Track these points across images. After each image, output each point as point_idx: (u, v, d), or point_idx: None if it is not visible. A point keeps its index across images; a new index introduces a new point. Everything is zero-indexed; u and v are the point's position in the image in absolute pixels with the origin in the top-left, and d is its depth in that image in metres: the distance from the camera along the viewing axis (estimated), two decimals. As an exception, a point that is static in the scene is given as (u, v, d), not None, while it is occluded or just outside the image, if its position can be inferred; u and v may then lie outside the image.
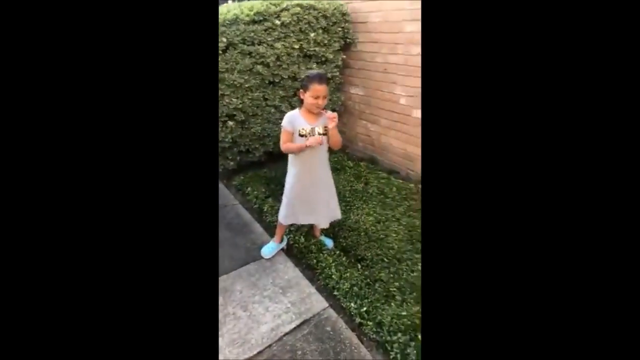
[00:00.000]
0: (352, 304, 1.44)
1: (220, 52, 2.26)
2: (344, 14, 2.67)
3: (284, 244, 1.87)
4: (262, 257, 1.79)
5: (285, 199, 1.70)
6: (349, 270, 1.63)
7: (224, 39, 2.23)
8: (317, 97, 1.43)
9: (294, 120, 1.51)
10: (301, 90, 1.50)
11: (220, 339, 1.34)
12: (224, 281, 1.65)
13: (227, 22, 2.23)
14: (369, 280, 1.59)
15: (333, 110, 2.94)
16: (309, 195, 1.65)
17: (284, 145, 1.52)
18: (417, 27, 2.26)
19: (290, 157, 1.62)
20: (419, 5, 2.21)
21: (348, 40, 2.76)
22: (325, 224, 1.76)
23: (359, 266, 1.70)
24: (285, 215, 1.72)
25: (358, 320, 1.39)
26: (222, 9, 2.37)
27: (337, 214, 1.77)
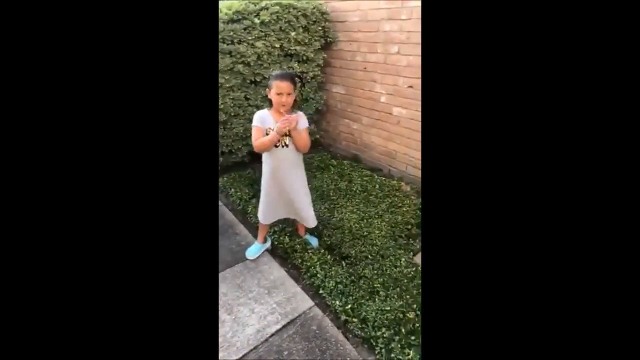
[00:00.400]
0: (337, 302, 1.46)
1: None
2: (323, 13, 2.67)
3: (268, 245, 1.86)
4: (247, 259, 1.78)
5: (261, 198, 1.71)
6: (333, 268, 1.65)
7: (202, 38, 2.19)
8: (280, 94, 1.43)
9: (264, 119, 1.51)
10: (267, 89, 1.50)
11: (205, 343, 1.32)
12: (208, 284, 1.63)
13: (204, 21, 2.19)
14: (353, 277, 1.61)
15: (317, 109, 2.96)
16: (283, 194, 1.66)
17: (256, 143, 1.50)
18: (394, 26, 2.30)
19: (263, 156, 1.62)
20: (396, 4, 2.24)
21: (328, 39, 2.76)
22: (312, 223, 1.75)
23: (344, 264, 1.72)
24: (264, 215, 1.73)
25: (343, 317, 1.41)
26: (200, 7, 2.32)
27: (312, 222, 1.75)
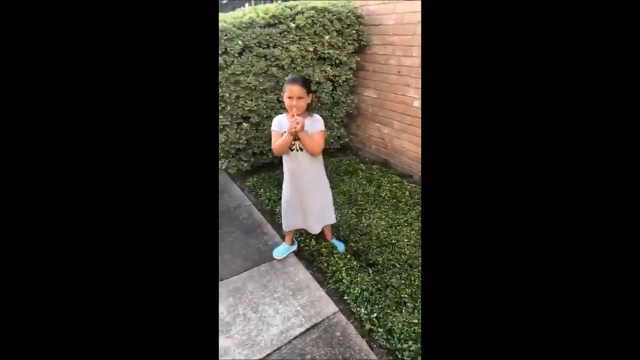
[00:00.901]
0: (363, 310, 1.43)
1: (236, 55, 2.29)
2: (358, 17, 2.66)
3: (295, 247, 1.87)
4: (273, 259, 1.80)
5: (282, 203, 1.73)
6: (359, 274, 1.62)
7: (240, 42, 2.26)
8: (290, 97, 1.44)
9: (281, 122, 1.55)
10: (282, 93, 1.53)
11: (229, 340, 1.35)
12: (235, 282, 1.67)
13: (243, 25, 2.27)
14: (379, 285, 1.57)
15: (347, 113, 2.95)
16: (298, 200, 1.67)
17: (274, 145, 1.54)
18: (433, 29, 2.23)
19: (283, 160, 1.65)
20: (435, 7, 2.18)
21: (362, 42, 2.75)
22: (315, 230, 1.75)
23: (370, 271, 1.68)
24: (284, 221, 1.75)
25: (368, 326, 1.38)
26: (238, 12, 2.41)
27: (331, 219, 1.76)
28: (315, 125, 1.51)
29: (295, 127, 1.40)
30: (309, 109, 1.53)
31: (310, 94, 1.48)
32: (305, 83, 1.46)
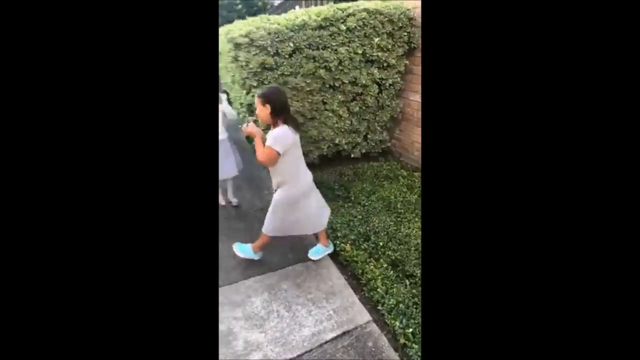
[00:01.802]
0: (397, 323, 1.38)
1: (287, 56, 2.34)
2: (410, 19, 2.58)
3: (330, 249, 1.86)
4: (308, 259, 1.81)
5: None
6: (395, 285, 1.57)
7: (291, 44, 2.31)
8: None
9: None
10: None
11: (262, 335, 1.38)
12: (270, 278, 1.70)
13: (295, 27, 2.31)
14: (417, 299, 1.51)
15: (392, 117, 2.89)
16: None
17: None
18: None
19: None
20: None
21: (412, 45, 2.66)
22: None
23: (407, 283, 1.62)
24: None
25: (402, 340, 1.32)
26: (291, 15, 2.46)
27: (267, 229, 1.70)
28: (269, 138, 1.51)
29: (245, 131, 1.60)
30: (275, 119, 1.53)
31: (267, 105, 1.51)
32: (263, 95, 1.54)
